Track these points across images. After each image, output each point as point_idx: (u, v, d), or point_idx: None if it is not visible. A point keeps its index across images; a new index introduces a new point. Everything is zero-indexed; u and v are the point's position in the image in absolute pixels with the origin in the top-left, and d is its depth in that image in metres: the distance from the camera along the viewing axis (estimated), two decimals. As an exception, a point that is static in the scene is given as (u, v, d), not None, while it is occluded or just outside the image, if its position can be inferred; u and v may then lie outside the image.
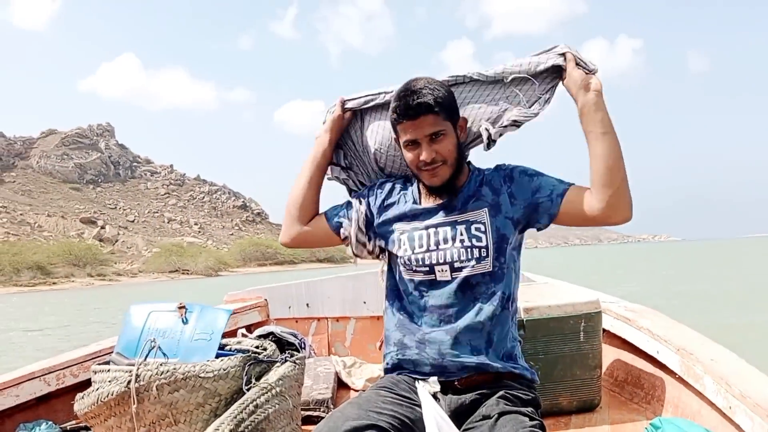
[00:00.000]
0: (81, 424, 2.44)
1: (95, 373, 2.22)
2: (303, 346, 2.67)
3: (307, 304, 3.89)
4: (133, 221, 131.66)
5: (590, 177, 1.66)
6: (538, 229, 1.76)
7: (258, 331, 2.64)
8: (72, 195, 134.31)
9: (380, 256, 1.90)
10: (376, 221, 1.85)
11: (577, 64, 1.68)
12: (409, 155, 1.71)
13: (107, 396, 2.10)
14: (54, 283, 59.53)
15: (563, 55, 1.70)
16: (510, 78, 1.73)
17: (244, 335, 2.57)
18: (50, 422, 2.44)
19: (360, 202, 1.88)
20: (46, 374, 2.53)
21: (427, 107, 1.63)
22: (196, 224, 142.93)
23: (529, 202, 1.71)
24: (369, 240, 1.85)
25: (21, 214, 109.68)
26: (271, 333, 2.61)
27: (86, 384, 2.30)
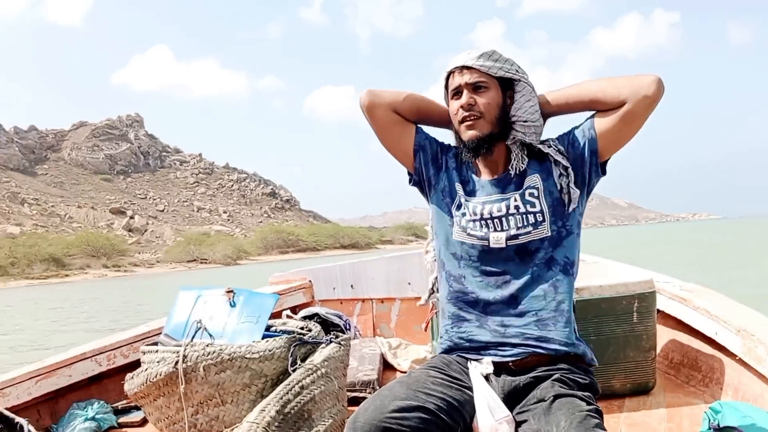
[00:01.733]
0: (132, 404, 2.45)
1: (144, 353, 2.22)
2: (348, 327, 2.64)
3: (352, 286, 3.86)
4: (162, 211, 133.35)
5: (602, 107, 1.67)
6: (597, 179, 1.72)
7: (303, 313, 2.62)
8: (103, 186, 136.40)
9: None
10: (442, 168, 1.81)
11: None
12: (453, 105, 1.73)
13: (156, 376, 2.10)
14: (66, 276, 57.49)
15: None
16: None
17: (289, 317, 2.55)
18: (102, 402, 2.46)
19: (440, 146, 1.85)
20: (97, 354, 2.56)
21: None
22: (225, 212, 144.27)
23: (573, 157, 1.70)
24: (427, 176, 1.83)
25: (52, 206, 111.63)
26: (316, 314, 2.58)
27: (136, 364, 2.31)
